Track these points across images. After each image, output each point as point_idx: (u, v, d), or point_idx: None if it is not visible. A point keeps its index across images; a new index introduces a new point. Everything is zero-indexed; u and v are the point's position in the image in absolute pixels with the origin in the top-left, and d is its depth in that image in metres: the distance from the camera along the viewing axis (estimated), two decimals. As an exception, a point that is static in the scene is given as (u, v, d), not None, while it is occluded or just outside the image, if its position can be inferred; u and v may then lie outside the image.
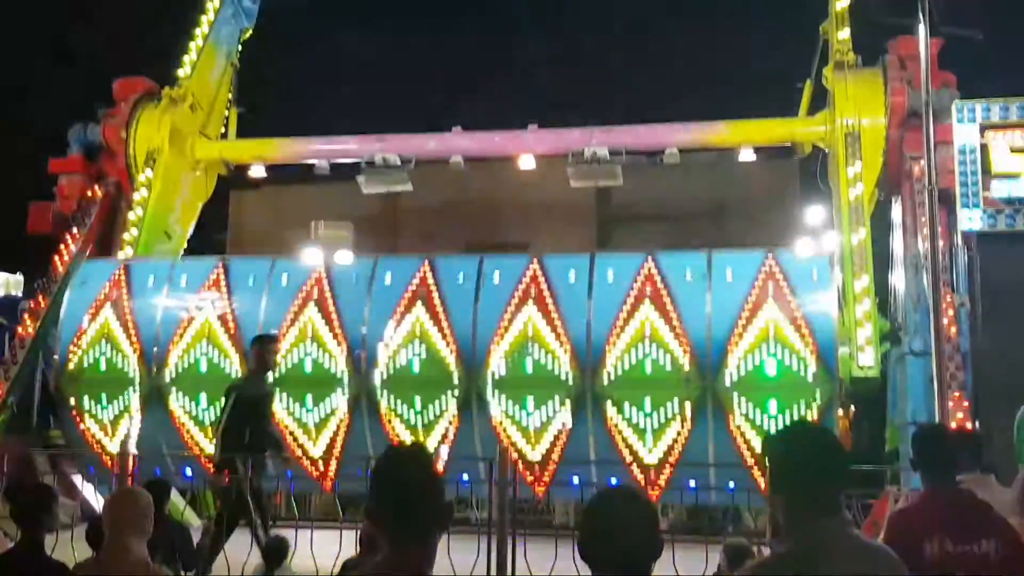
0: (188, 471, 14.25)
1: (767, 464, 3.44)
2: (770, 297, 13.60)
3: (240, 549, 9.20)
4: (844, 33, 16.44)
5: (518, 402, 13.88)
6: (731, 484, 12.52)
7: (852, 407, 15.59)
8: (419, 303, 14.52)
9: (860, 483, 10.93)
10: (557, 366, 13.89)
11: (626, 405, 13.61)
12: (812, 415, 13.02)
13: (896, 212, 16.14)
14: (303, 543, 9.03)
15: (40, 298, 16.68)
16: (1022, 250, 13.60)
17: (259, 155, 19.20)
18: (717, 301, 13.83)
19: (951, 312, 13.50)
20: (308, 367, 14.58)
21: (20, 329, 16.42)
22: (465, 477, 12.56)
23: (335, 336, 14.60)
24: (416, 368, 14.30)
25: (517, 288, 14.31)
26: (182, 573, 8.06)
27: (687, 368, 13.52)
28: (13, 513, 5.19)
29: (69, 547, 7.27)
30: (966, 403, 12.98)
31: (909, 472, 12.02)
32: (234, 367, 14.65)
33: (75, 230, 17.35)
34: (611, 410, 13.65)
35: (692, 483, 12.92)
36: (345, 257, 20.08)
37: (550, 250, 26.14)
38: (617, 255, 15.39)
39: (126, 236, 17.55)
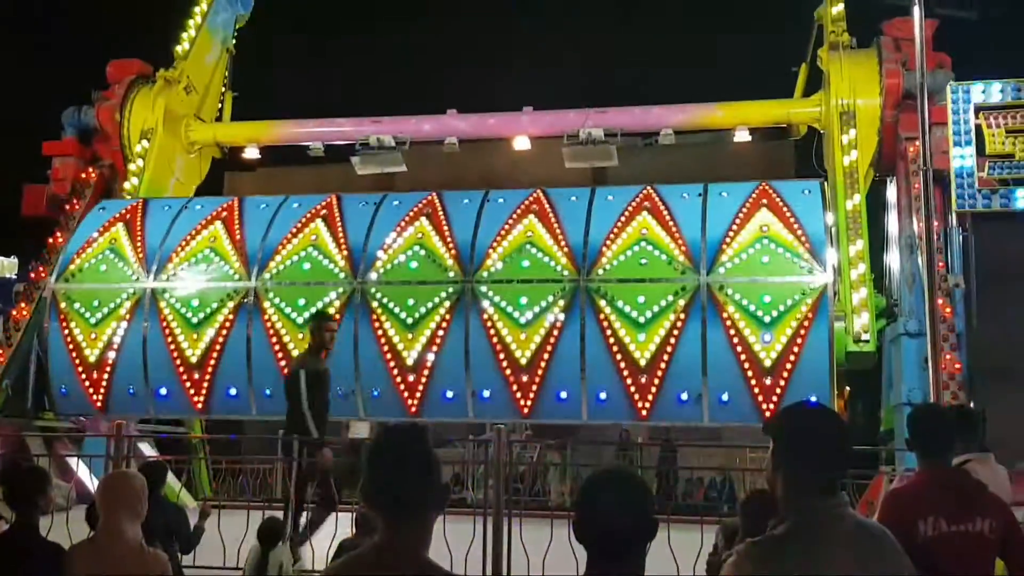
0: (163, 391, 14.50)
1: (771, 441, 3.43)
2: (763, 206, 14.06)
3: (235, 532, 9.20)
4: (838, 12, 16.40)
5: (512, 301, 13.94)
6: (724, 397, 12.65)
7: (847, 388, 15.63)
8: (423, 218, 14.93)
9: (855, 464, 10.97)
10: (554, 262, 14.05)
11: (619, 302, 13.66)
12: (806, 307, 13.14)
13: (891, 193, 16.16)
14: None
15: (34, 280, 16.64)
16: (1017, 230, 13.61)
17: (253, 137, 19.16)
18: (713, 211, 14.26)
19: (946, 293, 13.51)
20: (306, 266, 14.79)
21: (14, 312, 16.40)
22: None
23: (337, 243, 14.86)
24: (413, 266, 14.50)
25: (520, 205, 14.78)
26: (179, 555, 8.06)
27: (682, 261, 13.71)
28: (7, 495, 5.18)
29: (64, 529, 7.28)
30: (960, 384, 13.00)
31: (903, 453, 12.10)
32: (235, 274, 14.92)
33: (69, 212, 17.30)
34: (604, 306, 13.69)
35: (684, 396, 13.03)
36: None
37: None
38: (618, 188, 15.83)
39: None
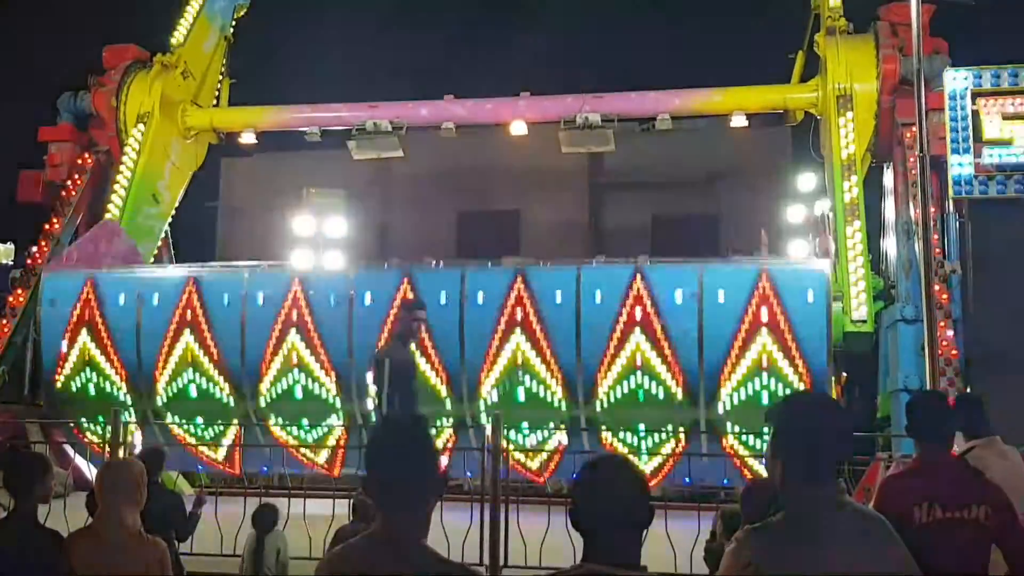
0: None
1: (771, 429, 3.45)
2: (764, 325, 13.15)
3: (232, 520, 9.22)
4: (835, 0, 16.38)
5: (513, 426, 13.52)
6: (726, 480, 12.50)
7: (844, 374, 15.64)
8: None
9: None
10: (550, 395, 13.66)
11: (620, 431, 13.58)
12: None
13: (888, 179, 16.16)
14: (296, 511, 9.06)
15: (30, 267, 16.64)
16: (1013, 216, 13.60)
17: (250, 123, 19.12)
18: (710, 323, 13.33)
19: (942, 279, 13.52)
20: (299, 394, 14.31)
21: (10, 298, 16.39)
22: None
23: (323, 367, 14.18)
24: None
25: (503, 311, 13.78)
26: (175, 542, 8.07)
27: (680, 398, 13.33)
28: (6, 482, 5.17)
29: (62, 517, 7.27)
30: (957, 370, 13.02)
31: (900, 439, 12.12)
32: (229, 397, 14.49)
33: (65, 198, 17.30)
34: (606, 434, 13.63)
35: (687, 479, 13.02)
36: (337, 225, 20.06)
37: (541, 217, 26.31)
38: (604, 268, 14.50)
39: (113, 198, 17.50)
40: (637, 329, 13.38)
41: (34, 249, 16.99)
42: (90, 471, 12.67)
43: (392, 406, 9.84)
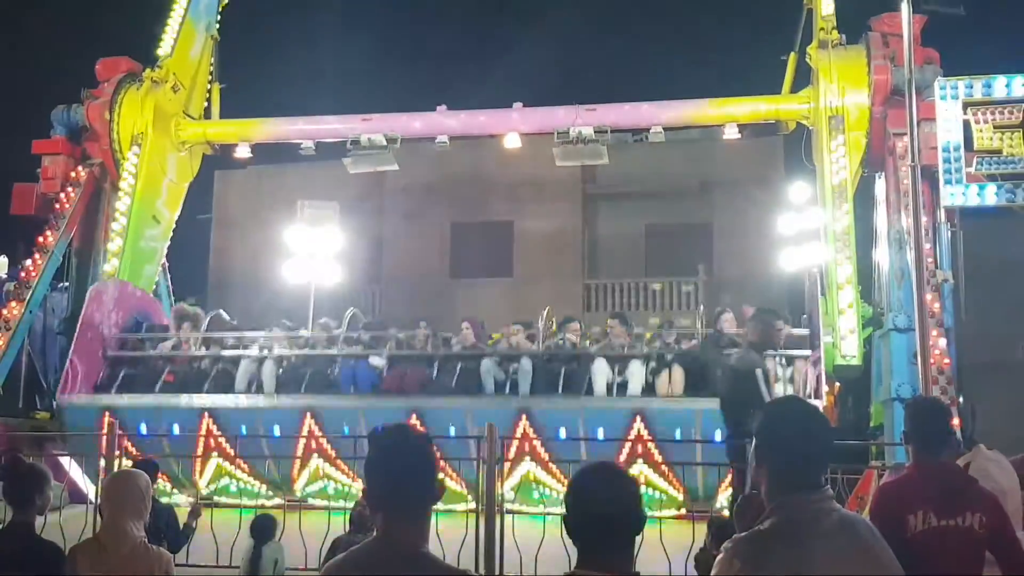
0: None
1: (755, 438, 3.47)
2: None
3: (230, 529, 9.22)
4: (828, 10, 16.43)
5: None
6: None
7: (837, 384, 15.67)
8: None
9: (845, 459, 11.01)
10: None
11: None
12: None
13: (880, 188, 16.19)
14: (292, 523, 9.07)
15: (24, 280, 16.63)
16: (1004, 225, 13.67)
17: (243, 135, 19.10)
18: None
19: (934, 288, 13.55)
20: (331, 490, 14.40)
21: (5, 310, 16.37)
22: None
23: (351, 477, 13.99)
24: None
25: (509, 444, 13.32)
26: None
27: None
28: (5, 491, 5.18)
29: (57, 529, 7.27)
30: (949, 378, 13.05)
31: (893, 447, 12.15)
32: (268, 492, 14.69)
33: (59, 211, 17.29)
34: None
35: None
36: (331, 237, 20.02)
37: (534, 227, 26.33)
38: (607, 413, 14.01)
39: (114, 225, 17.54)
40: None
41: (28, 262, 16.97)
42: (85, 484, 12.67)
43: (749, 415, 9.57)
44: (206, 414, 14.70)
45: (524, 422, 13.72)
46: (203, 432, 14.59)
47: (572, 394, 14.09)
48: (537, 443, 13.57)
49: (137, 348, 16.31)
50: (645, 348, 14.76)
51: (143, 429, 14.59)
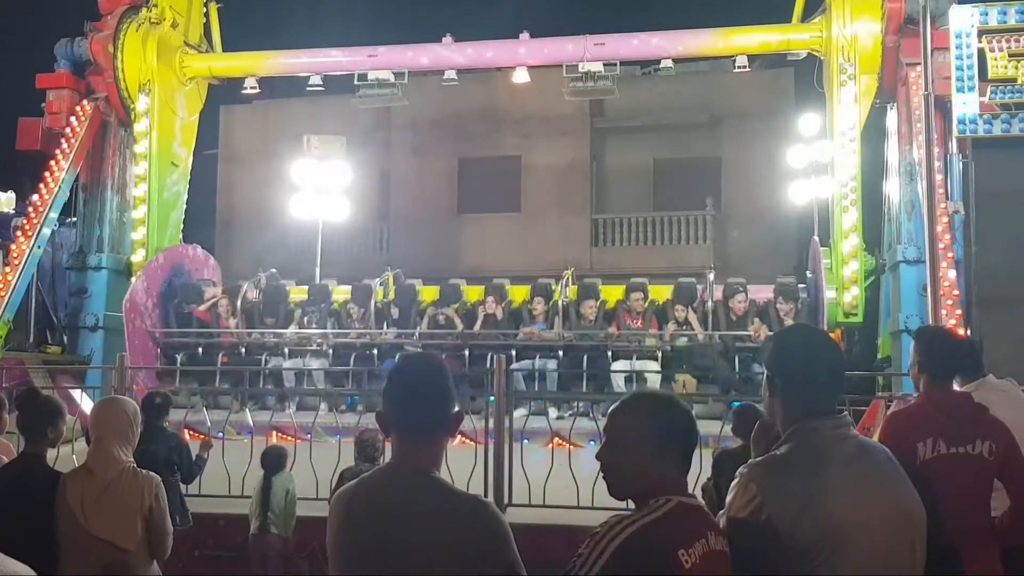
0: None
1: (766, 368, 3.45)
2: None
3: (240, 460, 9.29)
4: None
5: None
6: None
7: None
8: None
9: (852, 390, 11.03)
10: None
11: None
12: None
13: (891, 119, 16.02)
14: (302, 454, 9.13)
15: (32, 215, 16.62)
16: (1017, 156, 13.52)
17: (248, 69, 18.95)
18: None
19: (945, 219, 13.46)
20: None
21: (13, 246, 16.38)
22: None
23: None
24: None
25: None
26: (180, 485, 8.15)
27: None
28: (19, 422, 5.23)
29: (71, 461, 7.31)
30: (959, 310, 13.02)
31: (900, 378, 12.17)
32: None
33: (64, 146, 17.23)
34: None
35: None
36: (338, 172, 19.97)
37: (542, 161, 26.22)
38: None
39: (137, 170, 17.90)
40: None
41: (35, 197, 16.94)
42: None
43: None
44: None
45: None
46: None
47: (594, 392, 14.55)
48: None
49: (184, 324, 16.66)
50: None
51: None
